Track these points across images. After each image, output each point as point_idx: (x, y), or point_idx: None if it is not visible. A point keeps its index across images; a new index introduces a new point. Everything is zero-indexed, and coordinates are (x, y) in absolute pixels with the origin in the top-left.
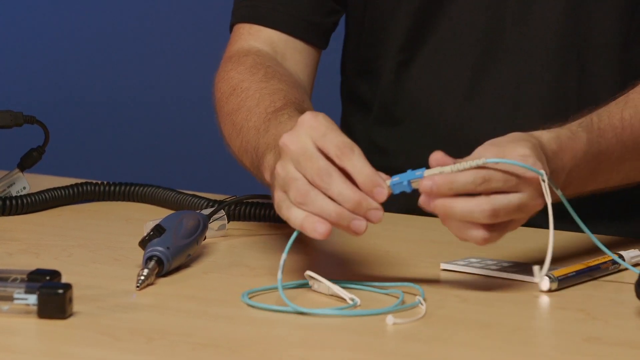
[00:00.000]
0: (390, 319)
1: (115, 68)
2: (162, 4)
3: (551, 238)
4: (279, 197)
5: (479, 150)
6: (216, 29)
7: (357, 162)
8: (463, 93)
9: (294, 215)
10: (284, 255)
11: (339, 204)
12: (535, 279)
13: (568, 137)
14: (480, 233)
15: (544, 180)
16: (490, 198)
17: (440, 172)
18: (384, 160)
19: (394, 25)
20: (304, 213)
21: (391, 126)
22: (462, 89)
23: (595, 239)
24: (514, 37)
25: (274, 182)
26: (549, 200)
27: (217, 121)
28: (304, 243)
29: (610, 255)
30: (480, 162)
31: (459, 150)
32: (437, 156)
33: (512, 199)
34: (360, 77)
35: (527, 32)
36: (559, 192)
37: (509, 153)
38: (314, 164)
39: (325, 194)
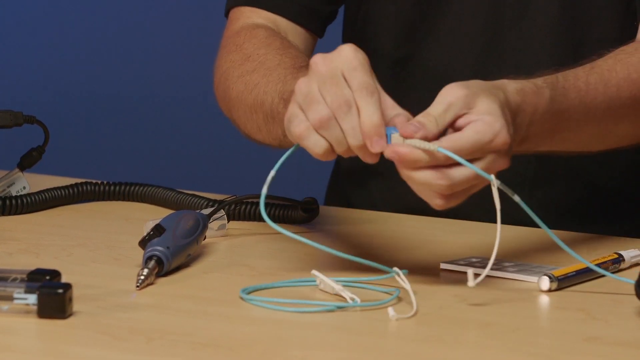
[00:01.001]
0: (392, 313)
1: (115, 68)
2: (162, 4)
3: (497, 240)
4: (293, 112)
5: (447, 91)
6: (217, 29)
7: (370, 107)
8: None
9: (313, 140)
10: (272, 172)
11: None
12: (470, 283)
13: (532, 90)
14: (438, 200)
15: (494, 185)
16: (448, 172)
17: (403, 142)
18: (384, 159)
19: (390, 22)
20: (323, 141)
21: None
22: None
23: (560, 242)
24: (513, 34)
25: (293, 97)
26: (497, 205)
27: (215, 92)
28: (302, 243)
29: (582, 260)
30: (433, 148)
31: None
32: (405, 129)
33: (471, 170)
34: None
35: (526, 29)
36: (516, 198)
37: (478, 105)
38: (339, 90)
39: (338, 122)
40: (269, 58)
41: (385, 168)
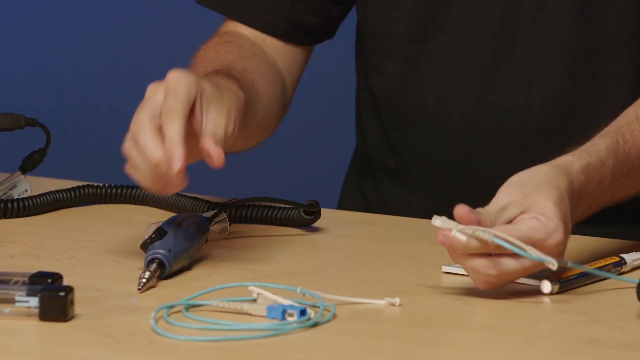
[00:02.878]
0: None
1: (117, 70)
2: (165, 7)
3: None
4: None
5: (503, 193)
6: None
7: (172, 127)
8: (475, 91)
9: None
10: None
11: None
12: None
13: (596, 166)
14: (483, 285)
15: (553, 266)
16: (499, 262)
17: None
18: (398, 158)
19: (400, 19)
20: (129, 165)
21: (402, 123)
22: (474, 86)
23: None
24: (526, 36)
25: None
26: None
27: None
28: (304, 245)
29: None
30: (488, 237)
31: (471, 148)
32: (461, 212)
33: (522, 264)
34: (370, 72)
35: (540, 31)
36: (569, 264)
37: (534, 205)
38: (139, 115)
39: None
40: (201, 58)
41: (400, 168)
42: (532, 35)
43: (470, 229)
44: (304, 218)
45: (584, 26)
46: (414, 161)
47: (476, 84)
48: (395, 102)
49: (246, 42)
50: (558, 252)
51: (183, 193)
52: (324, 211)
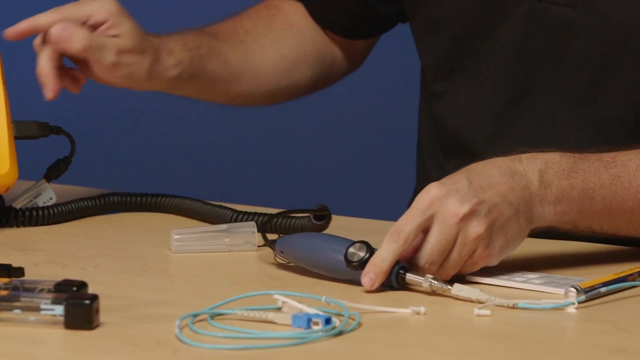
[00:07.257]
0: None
1: None
2: (179, 11)
3: None
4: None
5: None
6: None
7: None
8: (486, 135)
9: None
10: None
11: None
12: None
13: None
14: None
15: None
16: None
17: None
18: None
19: (431, 56)
20: None
21: (438, 155)
22: (487, 130)
23: None
24: (543, 84)
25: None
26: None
27: None
28: None
29: None
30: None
31: None
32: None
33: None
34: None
35: (556, 82)
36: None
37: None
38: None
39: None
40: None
41: None
42: (548, 84)
43: (492, 300)
44: (315, 224)
45: (599, 97)
46: None
47: (488, 129)
48: (427, 134)
49: (286, 16)
50: (450, 220)
51: (208, 201)
52: (349, 220)
